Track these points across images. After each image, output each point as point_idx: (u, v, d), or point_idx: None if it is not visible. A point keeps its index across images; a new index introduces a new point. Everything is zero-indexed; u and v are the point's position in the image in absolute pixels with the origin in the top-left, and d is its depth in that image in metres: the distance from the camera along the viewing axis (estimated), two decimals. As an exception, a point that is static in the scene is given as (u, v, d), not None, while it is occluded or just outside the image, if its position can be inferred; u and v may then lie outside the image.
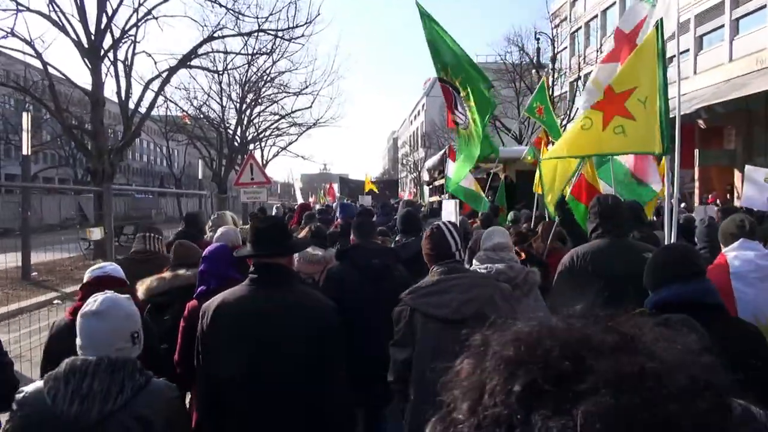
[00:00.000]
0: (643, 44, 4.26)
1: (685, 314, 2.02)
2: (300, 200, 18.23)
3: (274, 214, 12.16)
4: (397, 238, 5.30)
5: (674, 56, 5.90)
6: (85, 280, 3.04)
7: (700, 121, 19.73)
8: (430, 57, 5.65)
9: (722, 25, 21.30)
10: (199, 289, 3.40)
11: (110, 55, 15.00)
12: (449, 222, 3.39)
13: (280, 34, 17.85)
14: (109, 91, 16.79)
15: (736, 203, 14.50)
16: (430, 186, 20.65)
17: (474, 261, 3.60)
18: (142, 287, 3.77)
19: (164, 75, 16.01)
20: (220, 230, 4.68)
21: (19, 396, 2.03)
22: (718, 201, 17.20)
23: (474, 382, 0.58)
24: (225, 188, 26.82)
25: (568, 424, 0.48)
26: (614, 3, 28.33)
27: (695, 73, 22.38)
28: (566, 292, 3.46)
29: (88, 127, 15.57)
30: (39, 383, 2.05)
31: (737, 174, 19.47)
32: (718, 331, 1.76)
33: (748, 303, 2.95)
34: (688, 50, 22.81)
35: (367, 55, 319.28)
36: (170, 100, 25.02)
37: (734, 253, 3.19)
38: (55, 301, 9.79)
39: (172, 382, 2.29)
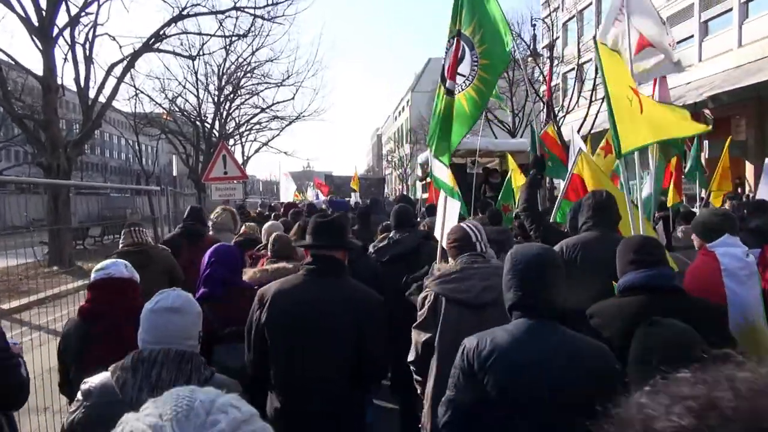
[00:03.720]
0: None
1: (645, 296, 2.43)
2: (284, 198, 16.51)
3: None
4: (390, 234, 5.11)
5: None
6: (91, 281, 3.07)
7: (706, 111, 18.55)
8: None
9: (730, 9, 20.13)
10: (201, 291, 3.32)
11: (67, 36, 13.34)
12: (472, 221, 3.73)
13: (258, 12, 16.26)
14: (69, 79, 15.12)
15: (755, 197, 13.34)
16: (423, 182, 19.29)
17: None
18: (245, 277, 3.85)
19: (128, 59, 14.38)
20: (271, 223, 4.83)
21: (84, 386, 2.06)
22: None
23: None
24: (203, 185, 25.20)
25: None
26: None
27: (700, 60, 21.25)
28: None
29: (39, 117, 13.83)
30: (104, 374, 2.09)
31: (748, 166, 18.45)
32: (682, 311, 2.14)
33: (738, 302, 2.93)
34: (692, 36, 21.68)
35: (351, 47, 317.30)
36: (141, 91, 23.32)
37: (723, 249, 3.11)
38: (-15, 321, 8.06)
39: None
